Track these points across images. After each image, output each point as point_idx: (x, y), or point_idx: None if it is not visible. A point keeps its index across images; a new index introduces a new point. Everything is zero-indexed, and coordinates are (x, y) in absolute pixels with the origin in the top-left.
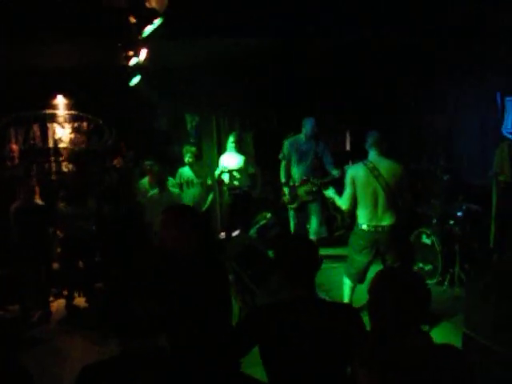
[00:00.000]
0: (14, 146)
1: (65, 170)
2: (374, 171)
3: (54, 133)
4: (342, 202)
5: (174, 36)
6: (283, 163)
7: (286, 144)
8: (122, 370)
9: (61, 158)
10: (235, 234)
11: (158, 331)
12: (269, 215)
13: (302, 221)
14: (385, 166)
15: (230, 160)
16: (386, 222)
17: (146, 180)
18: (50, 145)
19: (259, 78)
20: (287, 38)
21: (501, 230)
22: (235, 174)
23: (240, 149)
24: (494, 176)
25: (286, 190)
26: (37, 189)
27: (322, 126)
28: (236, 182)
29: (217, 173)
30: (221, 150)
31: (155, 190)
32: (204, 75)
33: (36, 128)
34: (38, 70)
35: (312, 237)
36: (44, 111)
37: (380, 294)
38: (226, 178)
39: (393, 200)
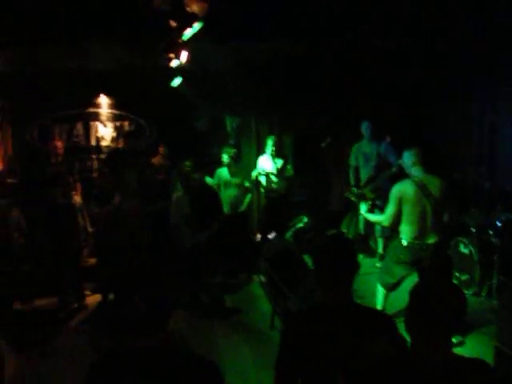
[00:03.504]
0: (58, 144)
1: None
2: (424, 189)
3: (96, 131)
4: (385, 219)
5: (214, 39)
6: (351, 168)
7: (353, 149)
8: (128, 366)
9: (102, 156)
10: (271, 236)
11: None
12: (305, 219)
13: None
14: (433, 183)
15: (268, 163)
16: (432, 240)
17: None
18: (93, 143)
19: (299, 83)
20: (326, 44)
21: None
22: (272, 177)
23: (278, 152)
24: None
25: (353, 190)
26: (78, 186)
27: (358, 131)
28: (273, 185)
29: (254, 174)
30: (260, 152)
31: (179, 192)
32: (244, 78)
33: (79, 126)
34: (84, 70)
35: (378, 237)
36: (87, 110)
37: (418, 305)
38: (263, 180)
39: (440, 218)
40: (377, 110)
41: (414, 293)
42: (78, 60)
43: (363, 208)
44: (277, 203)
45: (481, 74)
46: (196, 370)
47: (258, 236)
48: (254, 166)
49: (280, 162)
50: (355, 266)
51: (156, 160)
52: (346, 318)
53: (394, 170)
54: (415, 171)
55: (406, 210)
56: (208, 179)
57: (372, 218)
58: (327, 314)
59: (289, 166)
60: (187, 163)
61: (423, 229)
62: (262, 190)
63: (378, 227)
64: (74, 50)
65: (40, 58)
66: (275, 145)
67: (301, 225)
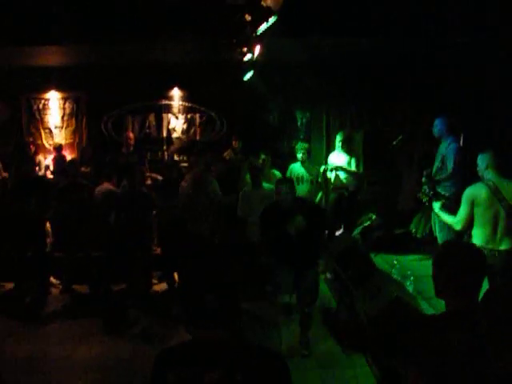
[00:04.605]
0: (131, 134)
1: (176, 159)
2: (497, 193)
3: (168, 123)
4: (456, 222)
5: (288, 33)
6: None
7: None
8: (196, 356)
9: (173, 148)
10: (338, 233)
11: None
12: (374, 217)
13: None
14: (507, 187)
15: (337, 159)
16: (504, 246)
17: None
18: (164, 134)
19: (372, 79)
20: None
21: None
22: (340, 172)
23: (348, 148)
24: None
25: (424, 190)
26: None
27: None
28: (342, 182)
29: (321, 170)
30: (330, 147)
31: (248, 186)
32: (316, 73)
33: (152, 118)
34: (157, 63)
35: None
36: (160, 102)
37: (489, 312)
38: (331, 176)
39: None
40: (454, 107)
41: (485, 299)
42: (153, 53)
43: (436, 206)
44: (345, 200)
45: None
46: (264, 362)
47: (326, 232)
48: (323, 161)
49: (349, 158)
50: (483, 271)
51: (227, 154)
52: (465, 328)
53: (426, 173)
54: (488, 174)
55: (478, 214)
56: (278, 174)
57: (445, 217)
58: (461, 321)
59: (358, 163)
60: (263, 156)
61: (495, 233)
62: (331, 187)
63: (437, 230)
64: (148, 43)
65: (115, 51)
66: (345, 140)
67: (369, 222)
